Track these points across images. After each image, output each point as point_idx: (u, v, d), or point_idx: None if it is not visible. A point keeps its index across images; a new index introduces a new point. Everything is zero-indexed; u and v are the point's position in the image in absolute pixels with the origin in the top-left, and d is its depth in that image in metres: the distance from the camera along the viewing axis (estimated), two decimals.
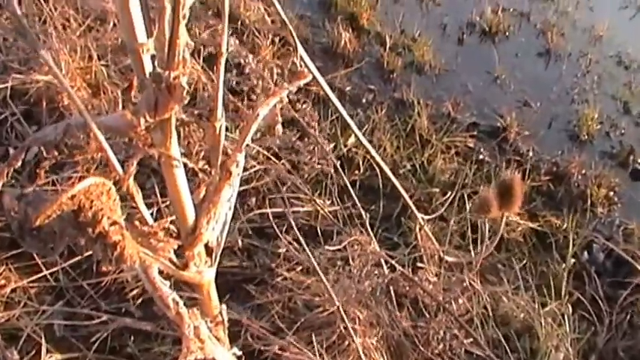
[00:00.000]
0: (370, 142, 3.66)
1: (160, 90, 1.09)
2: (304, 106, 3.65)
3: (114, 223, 1.12)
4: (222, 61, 1.27)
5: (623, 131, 4.45)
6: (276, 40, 4.42)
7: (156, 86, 1.09)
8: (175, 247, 1.33)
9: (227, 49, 1.27)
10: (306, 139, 3.44)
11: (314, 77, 1.38)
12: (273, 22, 4.66)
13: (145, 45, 1.06)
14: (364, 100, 4.19)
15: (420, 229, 2.96)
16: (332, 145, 3.56)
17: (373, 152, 1.66)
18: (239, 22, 4.49)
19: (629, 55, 5.37)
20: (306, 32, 4.75)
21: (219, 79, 1.27)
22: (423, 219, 2.33)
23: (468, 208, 3.30)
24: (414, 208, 2.13)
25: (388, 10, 5.36)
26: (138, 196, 1.23)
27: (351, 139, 3.58)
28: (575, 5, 6.09)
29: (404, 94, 4.27)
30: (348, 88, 4.26)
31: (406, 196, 1.96)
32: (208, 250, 1.45)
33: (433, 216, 2.82)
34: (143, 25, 1.06)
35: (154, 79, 1.08)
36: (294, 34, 1.24)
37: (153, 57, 1.10)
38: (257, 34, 4.40)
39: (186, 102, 1.13)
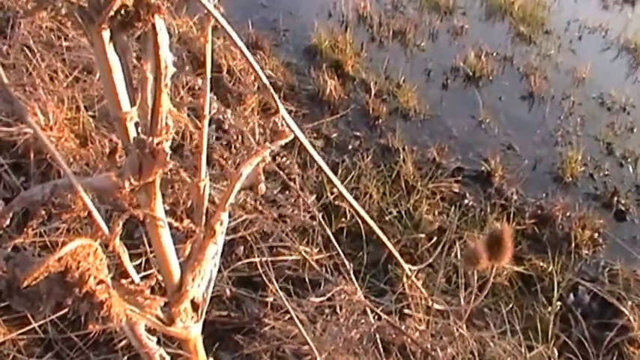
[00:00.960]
0: (357, 189, 3.70)
1: (144, 155, 1.12)
2: (284, 159, 3.68)
3: (100, 282, 1.14)
4: (205, 123, 1.31)
5: (606, 172, 4.49)
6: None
7: (140, 151, 1.12)
8: (162, 303, 1.35)
9: (209, 111, 1.31)
10: (287, 192, 3.48)
11: (296, 136, 1.42)
12: None
13: (129, 113, 1.09)
14: (350, 147, 4.22)
15: (407, 279, 2.98)
16: (317, 194, 3.58)
17: (356, 206, 1.69)
18: (225, 71, 4.54)
19: (611, 96, 5.44)
20: (293, 80, 4.82)
21: (203, 141, 1.31)
22: (410, 269, 2.36)
23: (454, 253, 3.32)
24: (400, 259, 2.16)
25: (373, 57, 5.45)
26: (124, 255, 1.26)
27: None
28: (558, 48, 6.19)
29: (389, 141, 4.32)
30: (334, 135, 4.30)
31: (392, 247, 1.99)
32: (194, 306, 1.47)
33: (420, 267, 2.84)
34: (127, 94, 1.09)
35: (138, 145, 1.11)
36: (276, 97, 1.28)
37: (137, 123, 1.13)
38: (243, 82, 4.45)
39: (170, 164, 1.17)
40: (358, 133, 4.39)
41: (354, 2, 6.31)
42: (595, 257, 3.70)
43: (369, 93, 4.84)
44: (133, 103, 1.11)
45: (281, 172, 3.46)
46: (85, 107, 3.65)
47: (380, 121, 4.58)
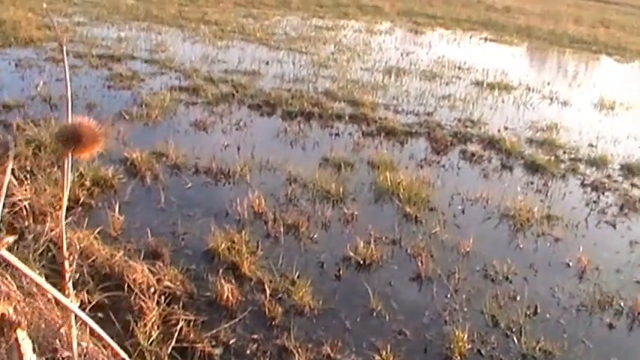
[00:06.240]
0: None
1: None
2: None
3: None
4: None
5: (494, 346, 4.70)
6: (162, 299, 4.63)
7: None
8: None
9: None
10: None
11: None
12: (159, 281, 4.88)
13: None
14: (248, 351, 4.31)
15: None
16: None
17: None
18: (125, 286, 4.70)
19: (494, 266, 5.79)
20: (191, 287, 4.95)
21: None
22: None
23: None
24: None
25: (268, 255, 5.64)
26: None
27: None
28: (443, 224, 6.58)
29: (285, 341, 4.42)
30: (232, 341, 4.38)
31: None
32: None
33: None
34: None
35: None
36: None
37: None
38: (142, 296, 4.60)
39: None
40: (256, 336, 4.48)
41: (249, 200, 6.62)
42: None
43: (264, 293, 4.99)
44: None
45: None
46: None
47: (276, 321, 4.70)
